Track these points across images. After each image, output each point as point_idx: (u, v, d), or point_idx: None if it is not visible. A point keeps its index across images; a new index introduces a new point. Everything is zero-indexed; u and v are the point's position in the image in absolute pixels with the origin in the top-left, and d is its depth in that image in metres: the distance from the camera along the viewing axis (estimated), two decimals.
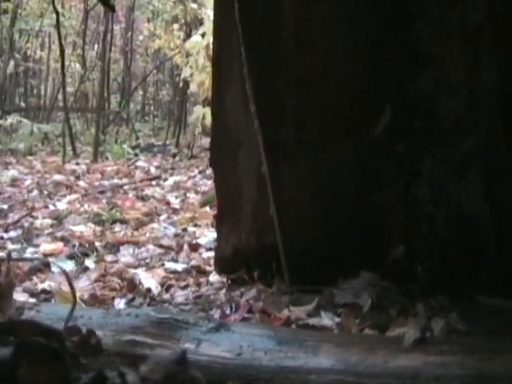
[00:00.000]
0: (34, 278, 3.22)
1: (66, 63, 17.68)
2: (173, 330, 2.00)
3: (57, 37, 17.19)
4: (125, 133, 14.31)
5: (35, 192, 6.86)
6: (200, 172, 8.33)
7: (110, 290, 3.00)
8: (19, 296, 2.70)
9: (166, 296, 2.98)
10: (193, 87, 7.86)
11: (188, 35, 11.33)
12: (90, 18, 17.31)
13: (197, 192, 6.54)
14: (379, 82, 2.51)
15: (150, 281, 3.10)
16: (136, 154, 11.60)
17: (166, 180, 7.92)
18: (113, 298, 2.84)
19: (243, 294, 2.77)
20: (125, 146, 12.04)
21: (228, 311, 2.42)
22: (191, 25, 11.89)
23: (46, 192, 6.85)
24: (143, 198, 6.47)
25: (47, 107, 17.11)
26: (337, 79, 2.54)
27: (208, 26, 7.08)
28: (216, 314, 2.42)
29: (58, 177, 8.18)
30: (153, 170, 9.28)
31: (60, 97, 14.71)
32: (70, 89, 16.44)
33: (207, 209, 5.18)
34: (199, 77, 7.34)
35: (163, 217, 5.12)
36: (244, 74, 2.43)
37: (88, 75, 16.16)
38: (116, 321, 2.08)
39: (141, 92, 21.44)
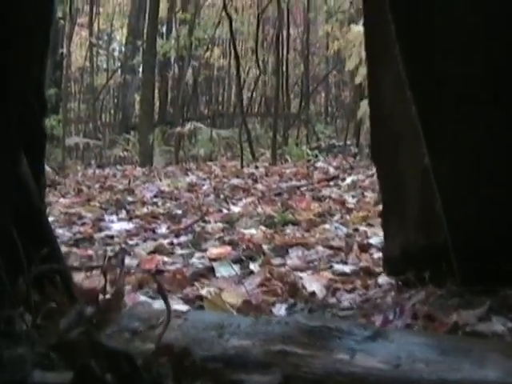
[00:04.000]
0: (196, 283, 3.12)
1: (246, 68, 17.93)
2: (325, 340, 1.82)
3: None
4: (305, 134, 14.23)
5: (211, 196, 6.87)
6: None
7: (273, 294, 2.85)
8: (174, 303, 2.60)
9: (332, 300, 2.79)
10: (358, 80, 7.58)
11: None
12: (267, 22, 17.45)
13: (374, 191, 6.30)
14: None
15: (314, 284, 2.93)
16: (316, 155, 11.50)
17: (343, 180, 7.74)
18: (273, 304, 2.68)
19: (411, 297, 2.55)
20: (304, 147, 11.97)
21: (391, 316, 2.20)
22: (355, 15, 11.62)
23: (222, 196, 6.84)
24: (319, 199, 6.32)
25: (229, 113, 17.37)
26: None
27: None
28: (378, 320, 2.21)
29: (235, 181, 8.19)
30: (332, 170, 9.13)
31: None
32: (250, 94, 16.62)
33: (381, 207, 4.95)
34: (364, 69, 7.03)
35: (336, 217, 4.94)
36: (398, 58, 2.19)
37: (267, 79, 16.27)
38: (265, 329, 1.92)
39: (323, 94, 21.41)
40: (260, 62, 17.47)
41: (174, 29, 16.33)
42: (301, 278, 3.02)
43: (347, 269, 3.28)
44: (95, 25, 17.79)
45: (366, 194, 6.40)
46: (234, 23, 13.45)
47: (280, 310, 2.60)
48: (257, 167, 9.88)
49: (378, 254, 3.45)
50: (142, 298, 2.86)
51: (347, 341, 1.79)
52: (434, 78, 2.21)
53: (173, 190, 7.57)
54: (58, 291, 1.65)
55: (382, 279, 2.98)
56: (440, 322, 2.08)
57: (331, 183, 7.60)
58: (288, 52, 15.75)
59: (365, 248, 3.66)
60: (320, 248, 3.79)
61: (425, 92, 2.23)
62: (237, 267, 3.43)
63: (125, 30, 19.94)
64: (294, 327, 1.87)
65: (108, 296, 1.74)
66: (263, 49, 18.88)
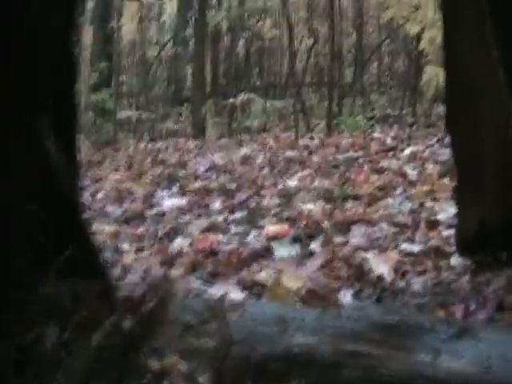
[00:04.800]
0: (254, 265, 2.91)
1: (298, 38, 17.61)
2: (403, 337, 1.59)
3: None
4: (360, 104, 13.89)
5: (266, 170, 6.64)
6: (438, 140, 7.75)
7: (336, 278, 2.63)
8: (230, 290, 2.39)
9: (401, 284, 2.56)
10: (423, 45, 7.21)
11: None
12: None
13: (435, 162, 6.01)
14: None
15: (381, 266, 2.69)
16: (372, 126, 11.18)
17: (402, 151, 7.43)
18: (338, 289, 2.46)
19: (490, 282, 2.30)
20: (359, 117, 11.67)
21: (473, 307, 1.96)
22: None
23: (277, 169, 6.60)
24: (378, 171, 6.04)
25: (282, 84, 17.10)
26: None
27: None
28: (458, 310, 1.97)
29: (290, 153, 7.93)
30: (389, 140, 8.81)
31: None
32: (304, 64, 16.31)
33: (447, 180, 4.67)
34: (429, 32, 6.69)
35: (398, 190, 4.67)
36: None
37: (320, 49, 15.96)
38: (334, 324, 1.70)
39: (376, 63, 21.00)
40: (313, 32, 17.19)
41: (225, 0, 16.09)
42: (366, 258, 2.78)
43: (416, 248, 3.04)
44: None
45: (427, 165, 6.10)
46: None
47: (346, 296, 2.38)
48: (312, 138, 9.60)
49: (447, 232, 3.20)
50: (195, 282, 2.65)
51: (429, 338, 1.58)
52: None
53: (226, 163, 7.34)
54: (92, 297, 1.43)
55: (455, 260, 2.75)
56: None
57: (389, 154, 7.31)
58: (341, 20, 15.38)
59: (433, 225, 3.41)
60: (384, 225, 3.55)
61: None
62: (296, 247, 3.21)
63: (175, 2, 19.75)
64: (368, 323, 1.65)
65: (151, 304, 1.52)
66: (316, 18, 18.54)
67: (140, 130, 14.10)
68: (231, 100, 12.07)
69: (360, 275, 2.58)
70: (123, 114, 13.69)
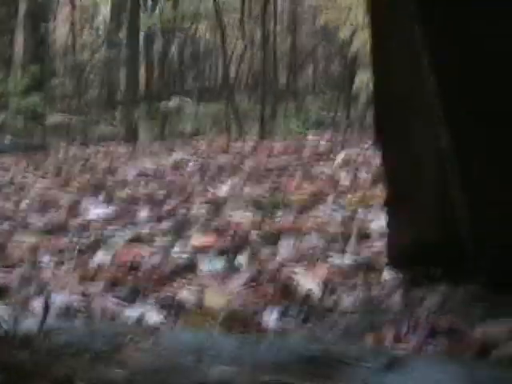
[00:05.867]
0: (177, 280, 2.76)
1: (233, 42, 17.52)
2: (329, 368, 1.47)
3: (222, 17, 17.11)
4: (294, 108, 13.82)
5: (197, 176, 6.49)
6: (372, 144, 7.69)
7: (262, 295, 2.49)
8: (149, 310, 2.25)
9: (330, 301, 2.44)
10: (354, 48, 7.12)
11: None
12: None
13: (369, 167, 5.94)
14: None
15: (310, 282, 2.56)
16: (306, 129, 11.11)
17: (335, 155, 7.35)
18: (264, 308, 2.32)
19: (424, 299, 2.19)
20: (293, 121, 11.59)
21: (404, 330, 1.84)
22: None
23: (208, 175, 6.46)
24: (311, 177, 5.95)
25: (216, 88, 16.99)
26: None
27: None
28: (389, 334, 1.85)
29: (222, 158, 7.80)
30: (323, 144, 8.74)
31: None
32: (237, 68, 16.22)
33: (380, 187, 4.58)
34: (360, 35, 6.59)
35: (330, 198, 4.57)
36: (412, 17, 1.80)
37: (254, 53, 15.88)
38: (254, 354, 1.56)
39: (311, 67, 21.00)
40: (247, 35, 17.11)
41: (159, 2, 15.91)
42: (294, 273, 2.66)
43: (347, 260, 2.92)
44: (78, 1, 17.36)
45: (360, 170, 6.03)
46: None
47: (271, 315, 2.24)
48: (245, 142, 9.49)
49: (380, 243, 3.10)
50: (113, 301, 2.49)
51: (357, 370, 1.45)
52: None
53: (157, 168, 7.18)
54: None
55: (387, 273, 2.63)
56: (465, 339, 1.71)
57: (323, 158, 7.22)
58: (276, 24, 15.31)
59: (365, 235, 3.30)
60: (315, 235, 3.43)
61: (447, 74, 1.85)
62: (223, 260, 3.07)
63: (109, 5, 19.49)
64: (290, 352, 1.52)
65: None
66: (250, 22, 18.47)
67: (71, 134, 13.83)
68: (163, 103, 11.89)
69: (287, 292, 2.45)
70: (53, 118, 13.40)
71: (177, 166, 7.20)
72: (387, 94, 2.30)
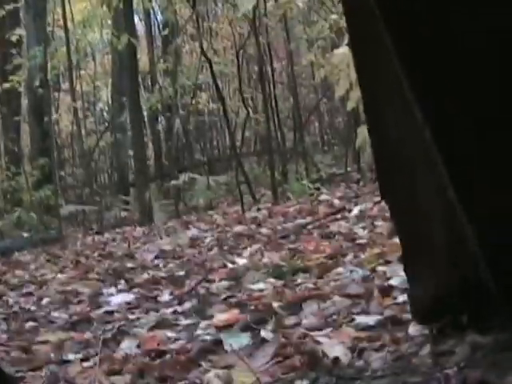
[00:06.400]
0: (203, 363, 2.73)
1: (236, 109, 17.68)
2: None
3: (223, 86, 17.28)
4: (304, 167, 13.85)
5: (215, 250, 6.48)
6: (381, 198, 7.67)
7: (290, 368, 2.46)
8: None
9: (358, 364, 2.40)
10: (350, 105, 7.13)
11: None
12: (251, 60, 17.21)
13: (384, 219, 5.90)
14: None
15: (336, 348, 2.53)
16: (318, 188, 11.10)
17: (350, 211, 7.33)
18: (292, 382, 2.28)
19: (452, 352, 2.16)
20: (305, 181, 11.59)
21: None
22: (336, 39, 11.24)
23: (225, 248, 6.45)
24: (328, 236, 5.93)
25: (225, 157, 17.10)
26: None
27: None
28: None
29: (238, 228, 7.80)
30: (336, 201, 8.72)
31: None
32: (246, 134, 16.36)
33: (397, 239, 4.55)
34: (356, 93, 6.59)
35: (349, 257, 4.54)
36: (397, 70, 1.79)
37: (258, 117, 16.00)
38: None
39: (316, 123, 21.11)
40: (249, 101, 17.27)
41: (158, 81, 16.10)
42: (319, 342, 2.62)
43: (371, 320, 2.89)
44: (78, 88, 17.57)
45: (376, 223, 6.00)
46: (216, 66, 13.20)
47: None
48: (259, 209, 9.49)
49: (402, 297, 3.06)
50: None
51: None
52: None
53: (174, 247, 7.18)
54: None
55: (413, 329, 2.59)
56: None
57: (338, 216, 7.20)
58: (275, 87, 15.45)
59: (387, 292, 3.26)
60: (337, 298, 3.39)
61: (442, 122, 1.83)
62: (247, 335, 3.04)
63: (109, 89, 19.74)
64: None
65: None
66: (250, 87, 18.66)
67: (87, 223, 13.89)
68: (173, 182, 11.95)
69: (314, 362, 2.42)
70: (66, 209, 13.48)
71: (194, 243, 7.19)
72: (385, 151, 2.29)
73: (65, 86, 20.10)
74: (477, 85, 1.76)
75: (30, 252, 9.97)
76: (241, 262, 5.37)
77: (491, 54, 1.79)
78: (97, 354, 3.25)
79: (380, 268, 3.86)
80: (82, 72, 19.72)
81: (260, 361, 2.63)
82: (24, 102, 16.82)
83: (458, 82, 1.78)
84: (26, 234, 12.23)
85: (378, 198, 7.60)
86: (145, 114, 17.43)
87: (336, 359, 2.44)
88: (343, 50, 7.00)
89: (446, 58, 1.77)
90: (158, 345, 3.20)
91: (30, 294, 5.84)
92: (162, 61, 16.27)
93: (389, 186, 2.36)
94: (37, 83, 14.05)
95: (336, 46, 10.00)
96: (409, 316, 2.70)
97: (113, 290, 5.25)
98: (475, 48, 1.76)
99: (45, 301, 5.28)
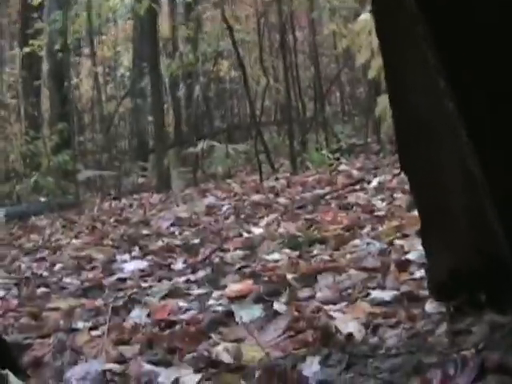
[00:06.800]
0: (213, 335, 2.66)
1: (256, 77, 17.51)
2: None
3: (244, 54, 17.11)
4: (324, 138, 13.72)
5: (231, 218, 6.41)
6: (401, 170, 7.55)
7: (301, 343, 2.39)
8: (184, 372, 2.15)
9: (373, 340, 2.32)
10: (371, 74, 6.97)
11: None
12: (273, 28, 17.02)
13: (403, 191, 5.80)
14: None
15: (350, 324, 2.45)
16: (337, 158, 10.98)
17: (369, 182, 7.23)
18: (303, 357, 2.21)
19: (470, 331, 2.08)
20: (324, 151, 11.47)
21: (451, 371, 1.72)
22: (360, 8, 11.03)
23: (242, 217, 6.38)
24: (346, 207, 5.84)
25: (245, 125, 16.98)
26: None
27: None
28: (435, 376, 1.73)
29: (256, 197, 7.73)
30: (355, 172, 8.62)
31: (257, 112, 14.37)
32: (266, 103, 16.21)
33: (416, 212, 4.45)
34: (377, 61, 6.44)
35: (366, 229, 4.45)
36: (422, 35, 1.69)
37: (278, 86, 15.85)
38: None
39: (337, 93, 20.92)
40: (270, 70, 17.09)
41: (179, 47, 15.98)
42: (333, 317, 2.54)
43: (387, 296, 2.81)
44: (99, 53, 17.47)
45: (395, 195, 5.90)
46: (237, 33, 13.05)
47: (312, 365, 2.13)
48: (277, 179, 9.41)
49: (420, 273, 2.98)
50: (147, 366, 2.39)
51: None
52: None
53: (191, 215, 7.11)
54: None
55: (430, 305, 2.51)
56: None
57: (357, 187, 7.10)
58: (296, 56, 15.27)
59: (404, 266, 3.18)
60: (353, 271, 3.32)
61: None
62: (259, 307, 2.97)
63: (130, 55, 19.61)
64: None
65: None
66: (271, 55, 18.48)
67: (104, 189, 13.84)
68: (192, 149, 11.86)
69: (327, 338, 2.34)
70: (84, 175, 13.43)
71: (210, 211, 7.12)
72: (406, 120, 2.20)
73: (86, 51, 19.99)
74: (489, 58, 1.66)
75: (47, 217, 9.94)
76: (257, 231, 5.30)
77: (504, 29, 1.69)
78: (106, 323, 3.19)
79: (397, 241, 3.77)
80: (104, 37, 19.59)
81: (271, 334, 2.56)
82: (45, 66, 16.74)
83: (472, 53, 1.68)
84: (43, 199, 12.19)
85: (398, 170, 7.50)
86: (166, 80, 17.31)
87: (350, 335, 2.37)
88: (365, 17, 6.85)
89: (461, 28, 1.68)
90: (169, 314, 3.14)
91: (44, 259, 5.80)
92: (183, 27, 16.11)
93: (409, 158, 2.27)
94: (57, 47, 13.93)
95: (359, 15, 9.83)
96: (426, 292, 2.63)
97: (127, 256, 5.20)
98: (489, 23, 1.66)
99: (58, 266, 5.24)
